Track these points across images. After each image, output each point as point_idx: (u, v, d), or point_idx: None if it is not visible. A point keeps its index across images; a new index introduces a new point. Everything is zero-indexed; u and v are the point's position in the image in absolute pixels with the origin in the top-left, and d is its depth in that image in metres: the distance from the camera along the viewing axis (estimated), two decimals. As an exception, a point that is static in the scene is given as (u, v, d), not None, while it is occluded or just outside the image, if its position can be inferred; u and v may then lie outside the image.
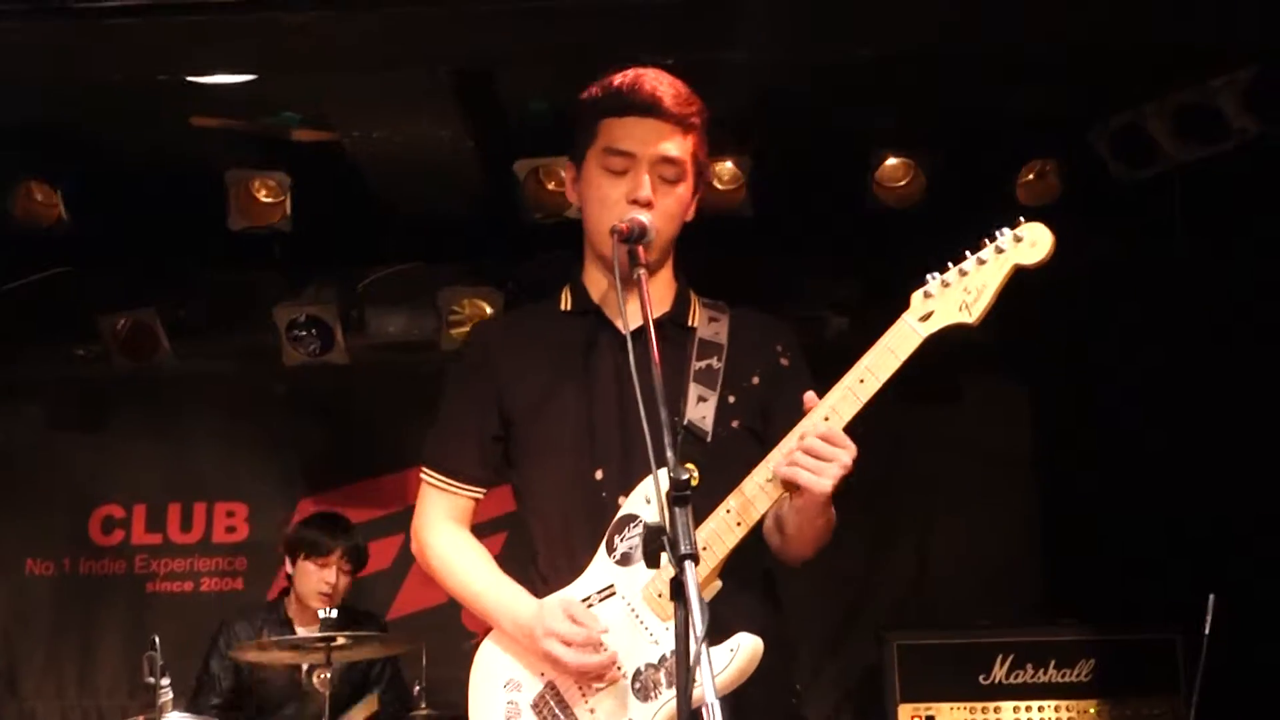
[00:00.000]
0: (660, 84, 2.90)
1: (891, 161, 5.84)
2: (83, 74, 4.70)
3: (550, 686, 2.80)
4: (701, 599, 2.22)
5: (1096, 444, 6.40)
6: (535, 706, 2.80)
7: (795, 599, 6.18)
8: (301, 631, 5.54)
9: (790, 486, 2.67)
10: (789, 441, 2.68)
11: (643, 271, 2.70)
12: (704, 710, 2.15)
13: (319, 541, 5.65)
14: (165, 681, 4.67)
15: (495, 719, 2.83)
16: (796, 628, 6.24)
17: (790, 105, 5.52)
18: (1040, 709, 5.60)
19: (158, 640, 4.69)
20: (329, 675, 4.85)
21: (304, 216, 5.99)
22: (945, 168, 5.80)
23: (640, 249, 2.75)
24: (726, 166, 5.84)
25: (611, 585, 2.78)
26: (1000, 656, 5.64)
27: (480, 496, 3.01)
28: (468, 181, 5.86)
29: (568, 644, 2.70)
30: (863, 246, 6.13)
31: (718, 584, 2.74)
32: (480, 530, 3.05)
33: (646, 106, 2.86)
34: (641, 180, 2.84)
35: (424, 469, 3.01)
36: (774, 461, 2.68)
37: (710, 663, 2.18)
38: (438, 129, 5.41)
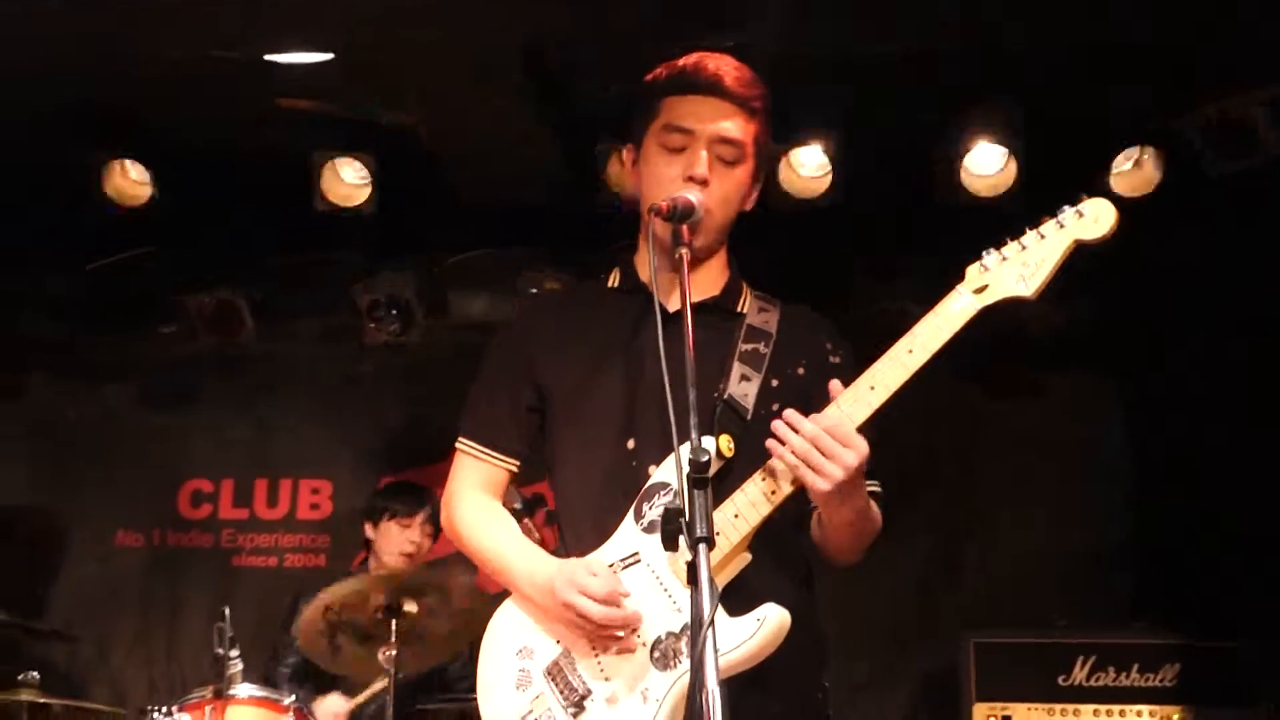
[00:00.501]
0: (724, 65, 2.87)
1: (982, 150, 5.71)
2: (161, 52, 4.76)
3: (565, 654, 2.76)
4: (714, 584, 2.19)
5: (1185, 440, 6.22)
6: (549, 673, 2.77)
7: (872, 594, 6.22)
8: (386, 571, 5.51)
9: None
10: (824, 417, 2.61)
11: (684, 251, 2.66)
12: (704, 695, 2.09)
13: (404, 502, 5.67)
14: (235, 653, 4.71)
15: (505, 686, 2.80)
16: (876, 623, 6.30)
17: (880, 94, 5.42)
18: (1121, 713, 5.45)
19: (227, 611, 4.73)
20: (394, 653, 4.84)
21: (387, 199, 6.04)
22: (1038, 157, 5.66)
23: (684, 229, 2.70)
24: (814, 155, 5.76)
25: (637, 552, 2.75)
26: (1081, 658, 5.50)
27: (514, 469, 3.00)
28: (548, 165, 5.86)
29: (591, 597, 2.66)
30: (951, 238, 5.99)
31: (747, 556, 2.70)
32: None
33: (709, 85, 2.83)
34: (699, 157, 2.81)
35: (459, 438, 3.01)
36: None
37: (716, 648, 2.13)
38: (515, 112, 5.42)
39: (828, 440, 2.56)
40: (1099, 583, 6.27)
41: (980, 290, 2.63)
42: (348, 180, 6.00)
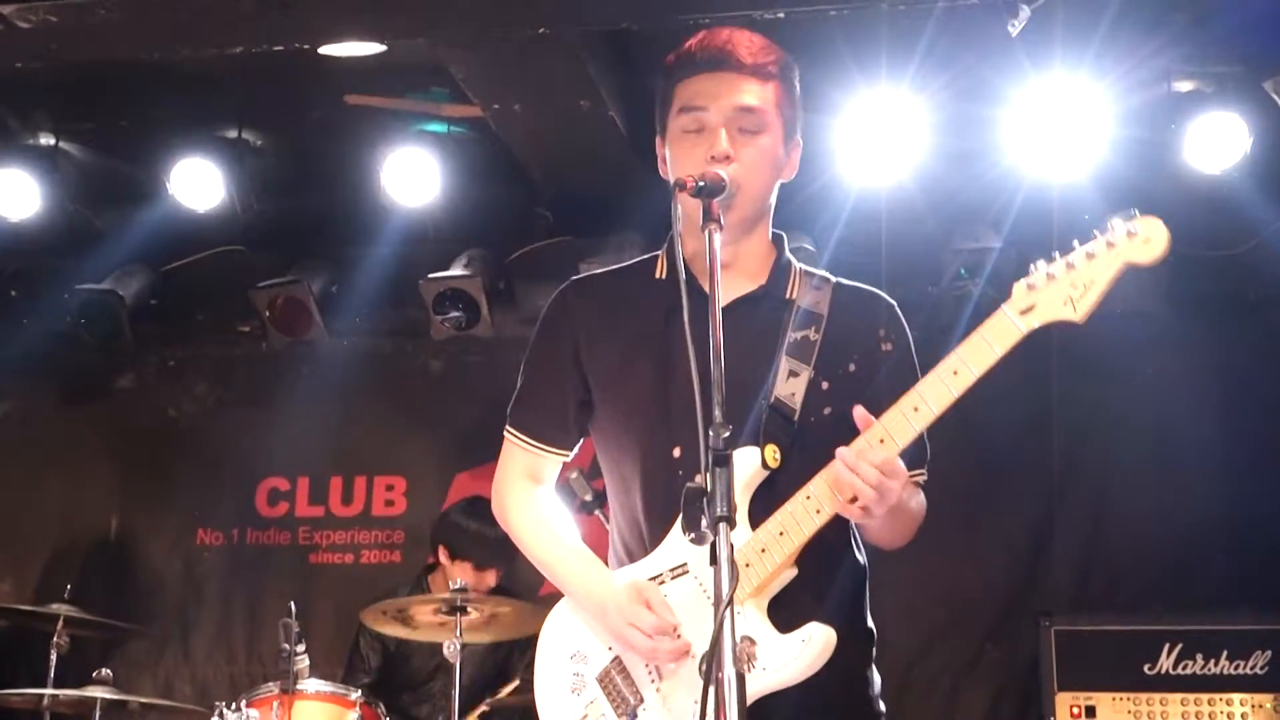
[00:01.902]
0: (731, 37, 2.78)
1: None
2: (207, 47, 4.77)
3: (617, 662, 2.73)
4: (733, 560, 2.11)
5: (1282, 424, 6.01)
6: (600, 680, 2.74)
7: (960, 579, 6.08)
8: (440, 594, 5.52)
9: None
10: (873, 432, 2.55)
11: (713, 227, 2.54)
12: (721, 683, 2.03)
13: (480, 549, 5.63)
14: (301, 648, 4.72)
15: (561, 688, 2.78)
16: (958, 609, 6.17)
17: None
18: (1210, 702, 5.27)
19: (293, 607, 4.74)
20: (458, 645, 4.83)
21: (454, 192, 6.04)
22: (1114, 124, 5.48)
23: (715, 204, 2.58)
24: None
25: (685, 564, 2.69)
26: (1167, 646, 5.34)
27: (566, 458, 2.94)
28: (614, 154, 5.80)
29: (641, 630, 2.62)
30: (1021, 208, 5.85)
31: (793, 571, 2.62)
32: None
33: (717, 60, 2.75)
34: (718, 135, 2.71)
35: (508, 427, 2.95)
36: (856, 450, 2.54)
37: (735, 629, 2.07)
38: (578, 101, 5.37)
39: (886, 482, 2.51)
40: (1196, 571, 6.07)
41: (1026, 311, 2.52)
42: (415, 174, 5.99)
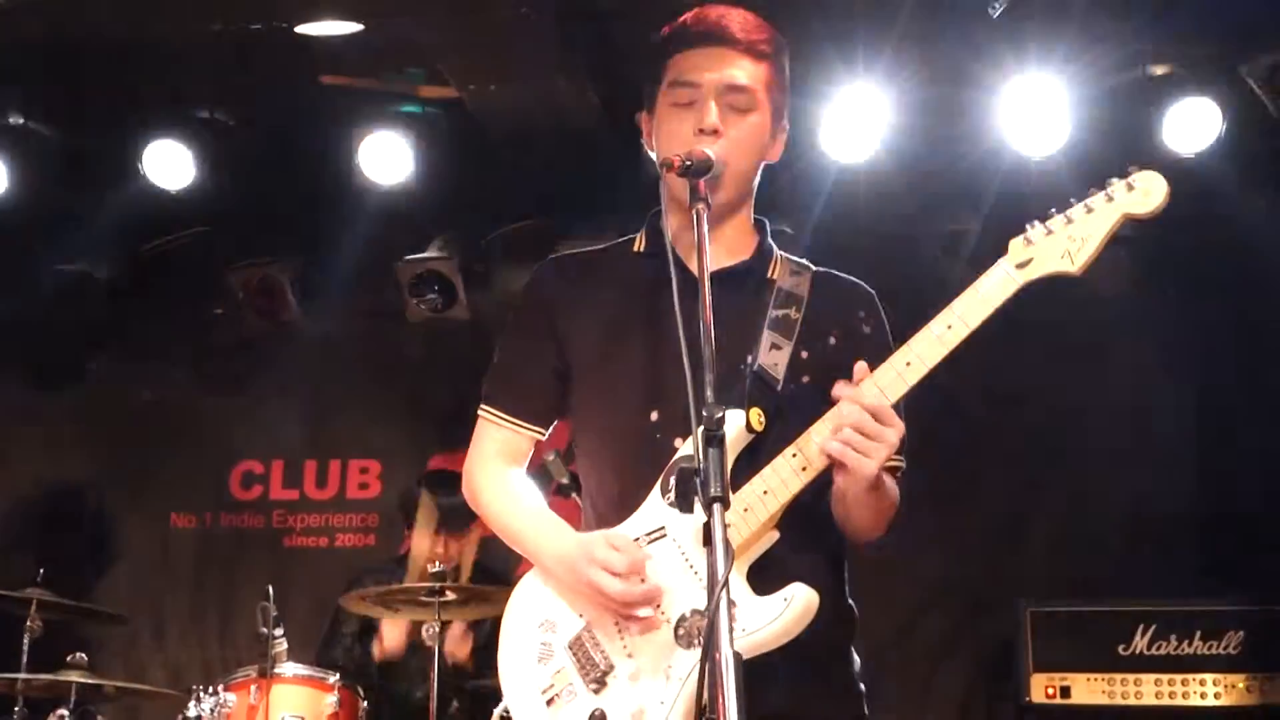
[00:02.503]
0: (727, 13, 2.78)
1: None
2: (201, 28, 4.73)
3: (588, 629, 2.69)
4: (729, 544, 2.09)
5: (1256, 405, 6.04)
6: (570, 647, 2.70)
7: (936, 562, 6.11)
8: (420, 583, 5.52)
9: (836, 463, 2.53)
10: (865, 385, 2.53)
11: (701, 207, 2.55)
12: (719, 663, 2.01)
13: (454, 520, 5.63)
14: (279, 632, 4.70)
15: (527, 659, 2.74)
16: (935, 591, 6.20)
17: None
18: (1184, 682, 5.31)
19: (271, 591, 4.72)
20: (437, 628, 4.82)
21: (430, 173, 6.00)
22: (1089, 107, 5.50)
23: (702, 183, 2.59)
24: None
25: (663, 527, 2.67)
26: (1141, 626, 5.37)
27: (540, 436, 2.90)
28: (590, 134, 5.78)
29: (612, 572, 2.58)
30: (999, 190, 5.87)
31: (775, 534, 2.61)
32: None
33: (711, 35, 2.74)
34: (708, 108, 2.71)
35: (482, 405, 2.92)
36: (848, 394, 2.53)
37: (730, 609, 2.05)
38: (555, 81, 5.35)
39: (871, 423, 2.48)
40: (1169, 552, 6.11)
41: (1023, 265, 2.51)
42: (390, 155, 5.95)
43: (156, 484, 6.97)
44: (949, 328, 2.52)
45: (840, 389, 2.54)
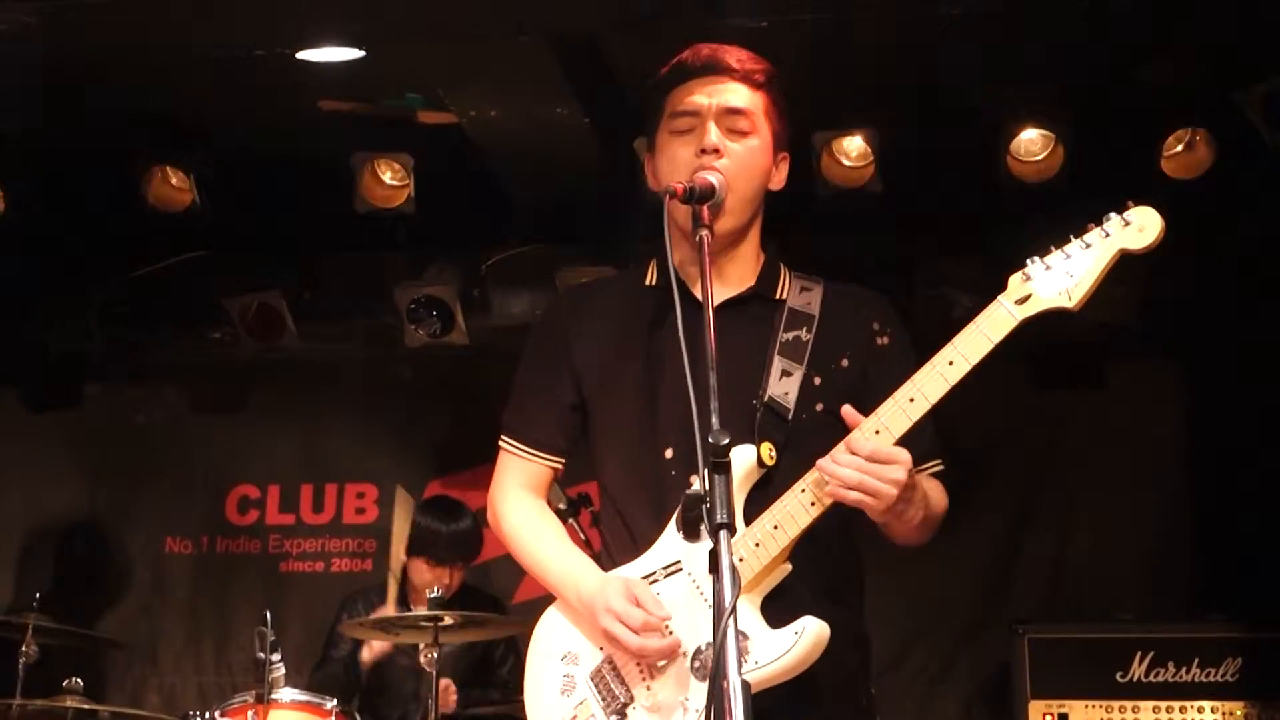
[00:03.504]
0: (721, 47, 2.85)
1: (1028, 135, 5.59)
2: (200, 54, 4.75)
3: (609, 661, 2.72)
4: (734, 568, 2.11)
5: (1252, 430, 6.06)
6: (592, 679, 2.74)
7: (933, 586, 6.10)
8: (417, 611, 5.53)
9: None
10: (867, 424, 2.57)
11: (705, 234, 2.59)
12: (726, 691, 2.01)
13: (435, 547, 5.62)
14: (276, 657, 4.69)
15: (550, 691, 2.78)
16: (931, 617, 6.19)
17: (921, 78, 5.32)
18: (1182, 709, 5.31)
19: (269, 616, 4.71)
20: (435, 655, 4.83)
21: (428, 199, 6.01)
22: (1085, 140, 5.53)
23: (705, 210, 2.62)
24: (855, 142, 5.66)
25: (678, 561, 2.70)
26: (1139, 653, 5.38)
27: (559, 466, 2.95)
28: (588, 160, 5.79)
29: (629, 626, 2.62)
30: (997, 224, 5.89)
31: (787, 566, 2.64)
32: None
33: (708, 66, 2.81)
34: (708, 129, 2.76)
35: (503, 436, 2.97)
36: (849, 442, 2.56)
37: (737, 636, 2.07)
38: (554, 107, 5.37)
39: (873, 469, 2.52)
40: (1166, 577, 6.13)
41: (1022, 301, 2.56)
42: (388, 181, 5.97)
43: (152, 508, 6.98)
44: (951, 364, 2.56)
45: (820, 463, 2.56)
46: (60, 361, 6.83)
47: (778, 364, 2.76)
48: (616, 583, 2.70)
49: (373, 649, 5.58)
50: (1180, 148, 5.58)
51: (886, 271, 5.92)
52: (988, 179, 5.62)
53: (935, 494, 2.74)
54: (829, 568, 2.75)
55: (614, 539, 2.86)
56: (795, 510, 2.59)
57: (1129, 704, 5.35)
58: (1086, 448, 6.40)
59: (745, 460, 2.63)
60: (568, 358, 2.89)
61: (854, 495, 2.53)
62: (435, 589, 5.07)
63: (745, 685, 2.04)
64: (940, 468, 2.81)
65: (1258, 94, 5.17)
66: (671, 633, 2.64)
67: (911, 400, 2.55)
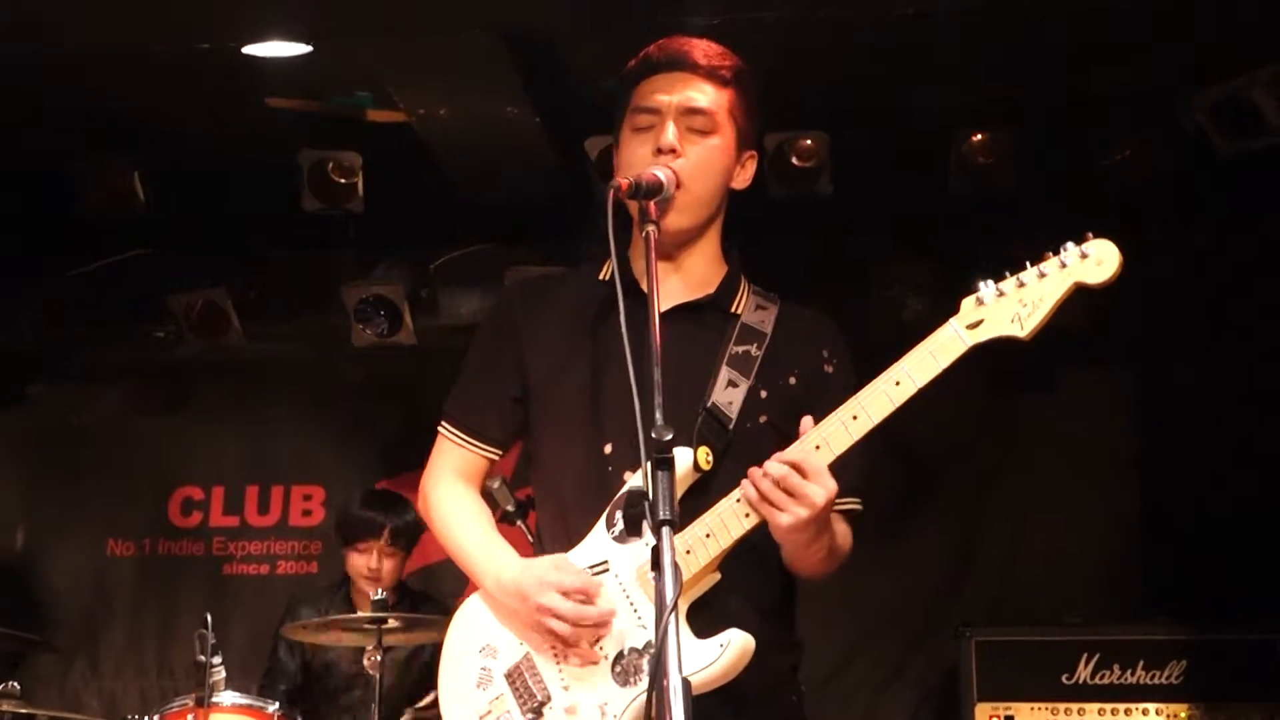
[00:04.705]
0: (689, 41, 2.80)
1: (979, 138, 5.61)
2: (144, 50, 4.69)
3: (527, 658, 2.68)
4: (676, 564, 2.08)
5: (1198, 435, 6.10)
6: (509, 676, 2.69)
7: (880, 592, 6.11)
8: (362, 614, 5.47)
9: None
10: (808, 438, 2.54)
11: (651, 229, 2.55)
12: (667, 690, 1.98)
13: (358, 528, 5.57)
14: (217, 660, 4.61)
15: (466, 683, 2.73)
16: (879, 621, 6.19)
17: (873, 82, 5.33)
18: (1127, 711, 5.33)
19: (209, 619, 4.64)
20: (379, 657, 4.78)
21: (377, 197, 5.96)
22: (1036, 144, 5.55)
23: (652, 205, 2.58)
24: (807, 144, 5.67)
25: (605, 561, 2.66)
26: (1085, 655, 5.39)
27: (496, 457, 2.91)
28: (539, 160, 5.77)
29: (563, 591, 2.58)
30: (946, 228, 5.91)
31: (716, 576, 2.60)
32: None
33: (673, 62, 2.77)
34: (665, 128, 2.71)
35: (443, 422, 2.92)
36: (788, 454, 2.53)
37: (679, 632, 2.04)
38: (504, 106, 5.33)
39: (794, 478, 2.48)
40: (1112, 581, 6.17)
41: (974, 326, 2.54)
42: (336, 179, 5.92)
43: (94, 510, 6.87)
44: (897, 384, 2.53)
45: (806, 424, 2.54)
46: (2, 360, 6.71)
47: (725, 374, 2.73)
48: (545, 560, 2.67)
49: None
50: (1131, 152, 5.61)
51: (839, 274, 5.94)
52: (939, 181, 5.63)
53: (842, 534, 2.70)
54: (759, 578, 2.71)
55: (548, 533, 2.82)
56: (729, 519, 2.56)
57: (1075, 706, 5.36)
58: (1036, 452, 6.42)
59: (682, 463, 2.58)
60: (515, 349, 2.85)
61: (764, 502, 2.48)
62: (377, 591, 5.02)
63: (686, 684, 2.00)
64: (858, 508, 2.75)
65: (1207, 99, 5.23)
66: (599, 605, 2.59)
67: (855, 418, 2.53)
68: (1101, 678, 5.38)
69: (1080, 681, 5.38)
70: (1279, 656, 5.26)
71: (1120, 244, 2.54)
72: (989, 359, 6.03)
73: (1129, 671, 5.37)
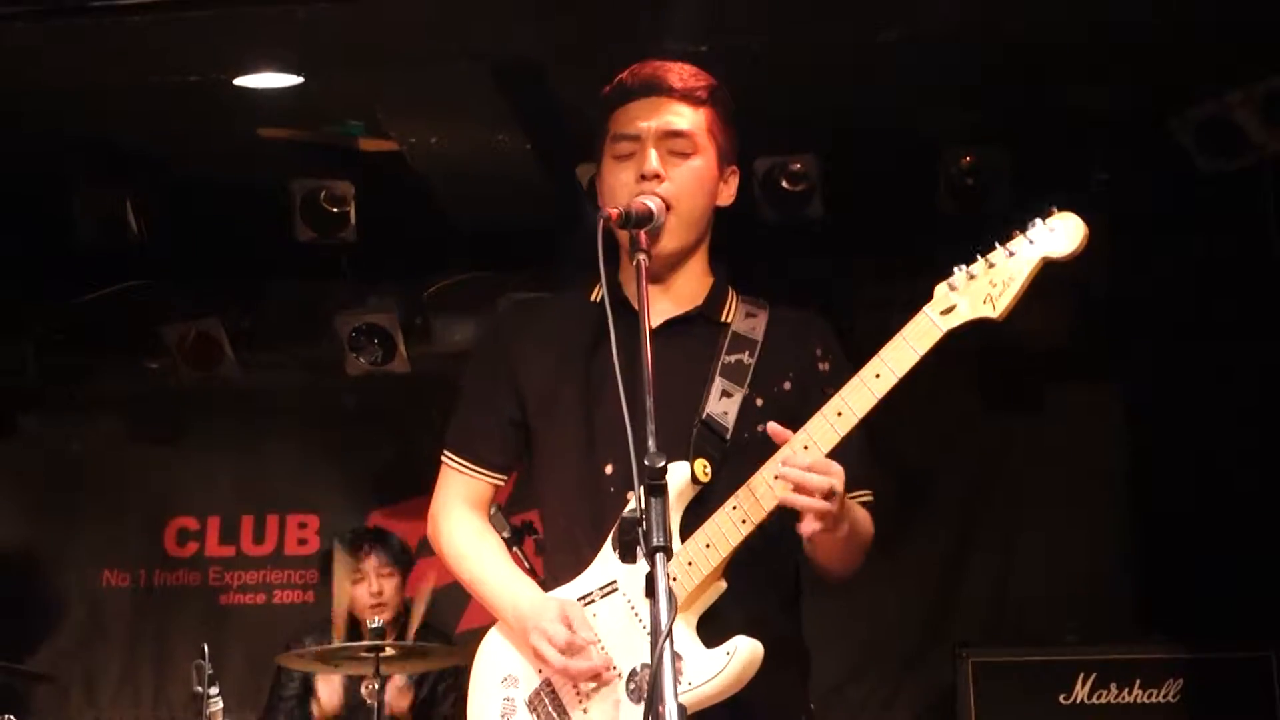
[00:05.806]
0: (663, 65, 2.82)
1: (967, 161, 5.64)
2: (114, 77, 4.71)
3: (546, 684, 2.70)
4: (670, 591, 2.10)
5: (1190, 452, 6.11)
6: (530, 704, 2.71)
7: (875, 611, 6.11)
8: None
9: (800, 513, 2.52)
10: (796, 438, 2.54)
11: (642, 257, 2.57)
12: (662, 717, 2.00)
13: (346, 564, 5.57)
14: (214, 691, 4.62)
15: (491, 714, 2.75)
16: (875, 641, 6.19)
17: (863, 105, 5.36)
18: (1125, 731, 5.34)
19: (206, 649, 4.65)
20: (376, 686, 4.77)
21: (370, 226, 5.98)
22: (1025, 164, 5.58)
23: (643, 235, 2.61)
24: (797, 168, 5.70)
25: (614, 581, 2.68)
26: (1082, 675, 5.39)
27: (501, 483, 2.92)
28: (531, 188, 5.79)
29: (554, 645, 2.60)
30: (938, 247, 5.92)
31: (722, 585, 2.62)
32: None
33: (647, 86, 2.78)
34: (647, 155, 2.72)
35: (445, 452, 2.93)
36: (782, 458, 2.53)
37: (672, 659, 2.05)
38: (495, 134, 5.36)
39: (813, 479, 2.48)
40: (1106, 599, 6.17)
41: (947, 311, 2.52)
42: (329, 208, 5.93)
43: (89, 540, 6.87)
44: (878, 376, 2.52)
45: (773, 430, 2.55)
46: (-2, 391, 6.72)
47: (718, 384, 2.74)
48: (552, 604, 2.68)
49: (322, 706, 5.48)
50: (1118, 172, 5.64)
51: (830, 296, 5.96)
52: (929, 202, 5.66)
53: (863, 519, 2.70)
54: (765, 586, 2.73)
55: (556, 557, 2.83)
56: (727, 528, 2.57)
57: (1073, 727, 5.38)
58: (1028, 471, 6.43)
59: (679, 477, 2.60)
60: (510, 374, 2.87)
61: (801, 499, 2.47)
62: (377, 620, 5.01)
63: (681, 710, 2.02)
64: (869, 499, 2.76)
65: (1191, 120, 5.27)
66: (605, 651, 2.62)
67: (839, 415, 2.53)
68: (1099, 697, 5.38)
69: (1078, 701, 5.38)
70: (1274, 673, 5.26)
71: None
72: (980, 377, 6.05)
73: (1126, 691, 5.37)
